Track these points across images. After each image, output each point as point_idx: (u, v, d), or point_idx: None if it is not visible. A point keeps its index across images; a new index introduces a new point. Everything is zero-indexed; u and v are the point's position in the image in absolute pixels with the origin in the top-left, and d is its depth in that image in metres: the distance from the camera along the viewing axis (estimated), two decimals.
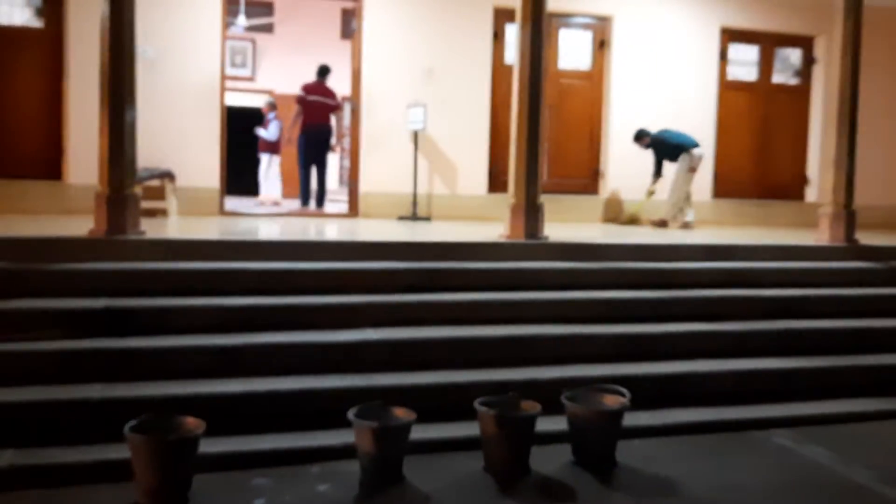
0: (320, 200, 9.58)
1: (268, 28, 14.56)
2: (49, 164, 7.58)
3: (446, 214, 8.52)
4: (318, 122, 9.51)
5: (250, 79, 14.65)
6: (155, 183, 7.50)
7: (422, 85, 8.48)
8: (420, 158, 8.42)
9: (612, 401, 3.76)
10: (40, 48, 7.56)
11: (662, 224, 8.37)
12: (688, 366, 4.74)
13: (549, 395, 3.87)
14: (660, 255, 5.92)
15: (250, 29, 14.12)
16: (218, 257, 5.02)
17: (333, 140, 9.84)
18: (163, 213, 7.47)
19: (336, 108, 9.67)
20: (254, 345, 4.28)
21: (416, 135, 8.32)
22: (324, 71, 9.62)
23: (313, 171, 9.70)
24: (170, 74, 7.77)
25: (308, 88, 9.46)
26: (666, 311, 5.26)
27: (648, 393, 4.35)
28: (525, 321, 4.95)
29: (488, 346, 4.63)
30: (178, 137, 7.77)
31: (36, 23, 7.63)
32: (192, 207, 7.75)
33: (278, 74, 14.34)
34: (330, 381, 4.12)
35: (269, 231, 6.54)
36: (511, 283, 5.30)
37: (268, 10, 14.51)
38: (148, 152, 7.49)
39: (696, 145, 8.46)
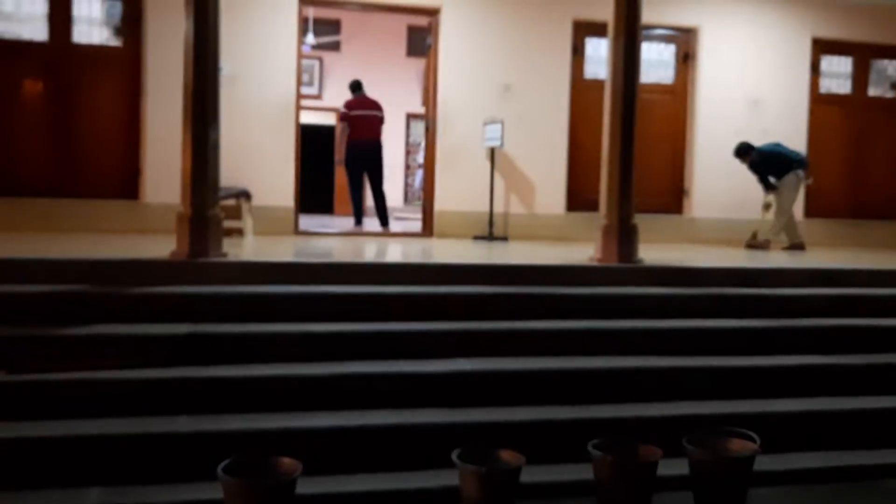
0: (384, 219, 9.13)
1: (334, 46, 14.56)
2: (126, 183, 7.56)
3: (523, 234, 8.24)
4: (367, 136, 9.04)
5: (317, 97, 14.65)
6: (231, 202, 7.41)
7: (498, 101, 8.25)
8: (496, 176, 8.17)
9: (737, 445, 3.41)
10: (119, 67, 7.56)
11: (763, 245, 7.90)
12: (807, 404, 4.33)
13: (661, 435, 3.55)
14: (764, 280, 5.52)
15: (317, 47, 14.12)
16: (300, 280, 4.82)
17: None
18: (238, 232, 7.37)
19: (383, 120, 9.24)
20: (341, 375, 4.04)
21: (492, 152, 8.08)
22: (357, 86, 9.32)
23: (367, 189, 9.41)
24: (246, 93, 7.70)
25: (351, 104, 9.13)
26: (775, 341, 4.87)
27: (768, 434, 3.97)
28: (625, 352, 4.61)
29: (588, 379, 4.31)
30: (254, 156, 7.68)
31: (115, 42, 7.65)
32: (267, 227, 7.63)
33: (345, 92, 14.32)
34: (424, 416, 3.86)
35: (347, 253, 6.35)
36: (607, 310, 4.97)
37: (335, 27, 14.52)
38: (224, 171, 7.41)
39: (806, 161, 7.97)
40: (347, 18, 14.42)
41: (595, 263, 5.48)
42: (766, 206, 8.10)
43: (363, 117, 9.06)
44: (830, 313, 5.24)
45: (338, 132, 9.26)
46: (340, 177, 13.73)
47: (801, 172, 7.86)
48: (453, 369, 4.20)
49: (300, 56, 7.94)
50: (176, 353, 4.09)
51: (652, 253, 6.06)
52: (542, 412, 3.98)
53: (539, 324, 4.72)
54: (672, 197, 8.83)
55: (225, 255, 5.00)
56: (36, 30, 7.41)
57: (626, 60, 5.54)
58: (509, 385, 4.20)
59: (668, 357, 4.58)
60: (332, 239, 7.80)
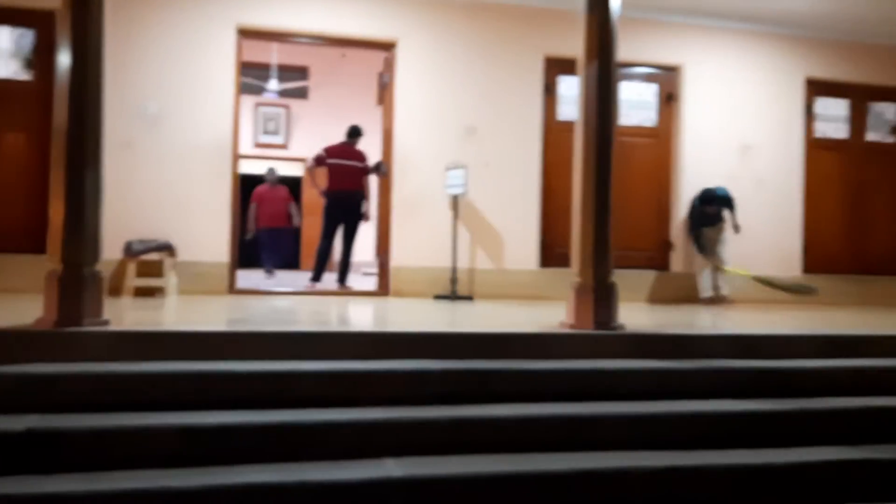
0: (342, 276, 8.24)
1: (302, 93, 13.82)
2: (33, 236, 6.59)
3: (491, 293, 7.30)
4: (344, 187, 8.24)
5: (283, 146, 13.85)
6: (153, 257, 6.45)
7: (463, 144, 7.40)
8: (460, 228, 7.27)
9: None
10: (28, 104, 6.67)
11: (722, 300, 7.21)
12: None
13: None
14: (770, 350, 4.59)
15: (284, 94, 13.38)
16: (191, 355, 3.84)
17: (366, 207, 8.51)
18: (161, 291, 6.39)
19: (365, 171, 8.43)
20: (224, 489, 3.04)
21: (455, 200, 7.19)
22: (353, 132, 8.50)
23: (337, 243, 8.49)
24: (175, 135, 6.81)
25: (330, 150, 8.30)
26: (791, 430, 3.91)
27: None
28: (603, 446, 3.64)
29: (558, 487, 3.32)
30: (183, 206, 6.75)
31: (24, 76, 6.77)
32: (197, 285, 6.67)
33: (313, 142, 13.52)
34: None
35: (272, 316, 5.37)
36: (580, 390, 4.01)
37: (302, 74, 13.79)
38: (146, 222, 6.49)
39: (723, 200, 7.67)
40: (315, 65, 13.73)
41: (566, 330, 4.53)
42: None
43: (340, 166, 8.24)
44: (853, 391, 4.30)
45: (307, 177, 8.21)
46: (311, 229, 12.87)
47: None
48: (379, 476, 3.20)
49: (239, 97, 7.08)
50: (9, 457, 3.08)
51: (634, 316, 5.13)
52: None
53: (494, 410, 3.74)
54: (656, 251, 7.94)
55: (105, 322, 4.02)
56: None
57: (601, 93, 4.68)
58: (451, 497, 3.21)
59: (657, 453, 3.61)
60: (270, 299, 6.82)
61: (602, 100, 4.68)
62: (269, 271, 10.66)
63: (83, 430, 3.22)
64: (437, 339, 4.23)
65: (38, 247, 6.56)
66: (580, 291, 4.60)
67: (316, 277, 8.10)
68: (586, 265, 4.61)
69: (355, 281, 9.12)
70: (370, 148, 10.49)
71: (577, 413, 3.80)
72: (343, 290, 7.92)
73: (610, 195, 4.64)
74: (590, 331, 4.50)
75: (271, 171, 11.12)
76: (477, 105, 7.46)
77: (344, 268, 8.27)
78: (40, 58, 6.68)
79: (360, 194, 8.35)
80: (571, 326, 4.59)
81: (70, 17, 4.01)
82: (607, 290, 4.59)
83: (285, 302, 6.56)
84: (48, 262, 4.10)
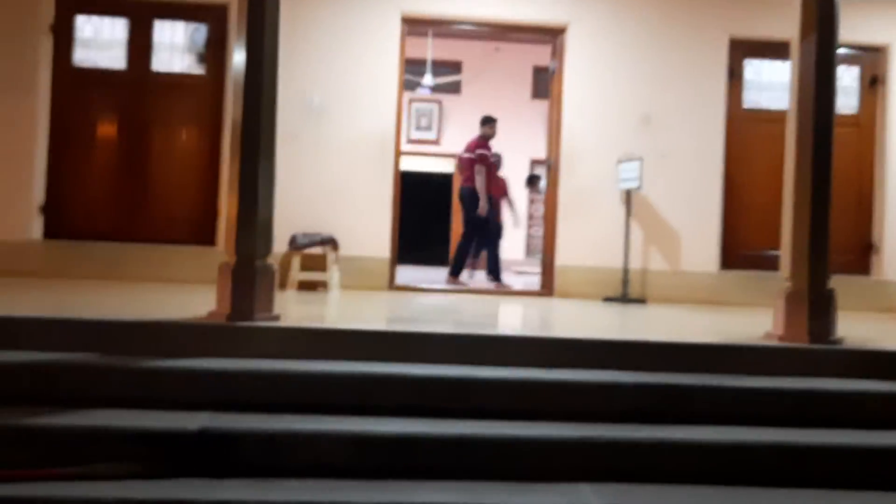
0: (494, 274, 7.90)
1: (454, 88, 13.62)
2: (204, 227, 6.67)
3: (665, 296, 6.72)
4: (462, 182, 8.08)
5: (435, 142, 13.72)
6: (316, 251, 6.37)
7: (636, 135, 6.86)
8: (633, 225, 6.74)
9: None
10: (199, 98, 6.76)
11: None
12: None
13: None
14: None
15: (437, 90, 13.22)
16: (363, 355, 3.59)
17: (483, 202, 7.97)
18: (323, 286, 6.29)
19: (472, 161, 7.90)
20: None
21: (628, 195, 6.67)
22: (481, 121, 8.17)
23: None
24: (338, 129, 6.70)
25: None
26: None
27: None
28: (833, 483, 3.07)
29: None
30: (345, 201, 6.63)
31: (198, 69, 6.87)
32: (358, 280, 6.53)
33: (464, 137, 13.31)
34: None
35: (437, 316, 5.09)
36: (797, 413, 3.45)
37: (455, 69, 13.60)
38: (309, 215, 6.42)
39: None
40: (469, 59, 13.51)
41: (775, 343, 3.94)
42: None
43: (459, 159, 8.07)
44: None
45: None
46: (459, 227, 12.68)
47: None
48: None
49: (401, 92, 6.88)
50: (182, 458, 2.94)
51: (844, 329, 4.43)
52: None
53: (699, 433, 3.25)
54: (856, 254, 7.06)
55: (275, 317, 3.86)
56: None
57: (819, 76, 4.06)
58: None
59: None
60: (431, 296, 6.57)
61: (820, 83, 4.06)
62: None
63: (255, 434, 3.02)
64: (626, 348, 3.78)
65: (207, 238, 6.67)
66: (792, 299, 4.00)
67: (452, 272, 7.78)
68: (800, 269, 4.01)
69: (511, 279, 8.80)
70: (531, 142, 10.13)
71: (798, 442, 3.24)
72: (501, 288, 7.58)
73: (830, 191, 4.02)
74: (804, 344, 3.90)
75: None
76: (652, 92, 6.90)
77: (492, 265, 7.92)
78: (212, 52, 6.77)
79: (467, 189, 7.96)
80: (780, 339, 4.00)
81: (246, 13, 3.90)
82: (825, 299, 3.97)
83: (448, 300, 6.29)
84: (222, 255, 4.00)
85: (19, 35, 6.49)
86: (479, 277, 8.73)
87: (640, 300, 6.53)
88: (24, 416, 3.00)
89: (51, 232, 6.58)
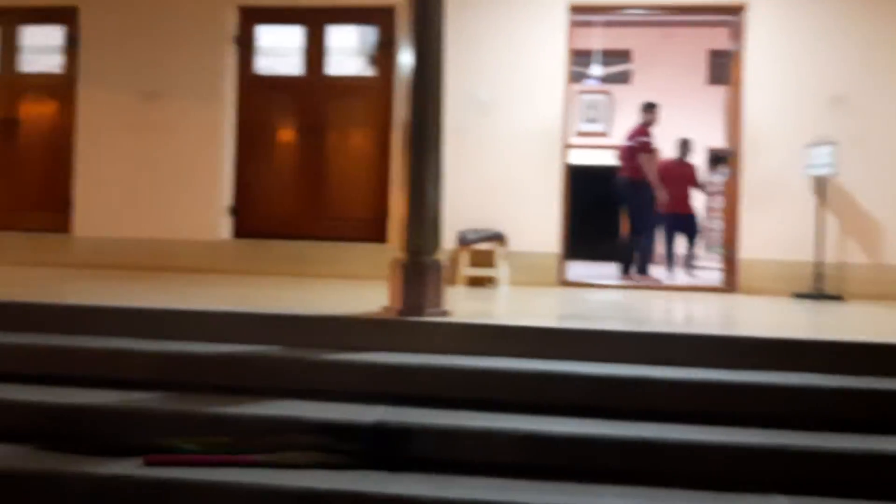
0: (640, 267, 7.47)
1: (623, 78, 13.20)
2: (375, 225, 6.85)
3: (865, 292, 6.10)
4: (620, 172, 7.74)
5: (604, 134, 13.36)
6: (483, 247, 6.34)
7: (828, 118, 6.27)
8: (826, 215, 6.17)
9: None
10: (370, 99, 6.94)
11: None
12: None
13: None
14: None
15: (605, 80, 12.87)
16: (533, 352, 3.50)
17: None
18: (491, 281, 6.26)
19: (631, 149, 7.52)
20: None
21: (820, 183, 6.12)
22: (643, 108, 7.79)
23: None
24: (503, 124, 6.63)
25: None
26: None
27: None
28: None
29: None
30: (512, 195, 6.55)
31: (368, 71, 7.05)
32: (525, 276, 6.43)
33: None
34: None
35: (611, 312, 4.89)
36: None
37: (624, 58, 13.17)
38: (476, 211, 6.40)
39: None
40: (637, 47, 13.06)
41: None
42: None
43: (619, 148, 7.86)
44: None
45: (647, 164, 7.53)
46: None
47: None
48: None
49: (569, 84, 6.70)
50: (358, 450, 2.97)
51: None
52: None
53: None
54: None
55: (445, 312, 3.84)
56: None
57: None
58: None
59: None
60: (603, 292, 6.36)
61: None
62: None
63: (429, 429, 3.02)
64: (823, 349, 3.43)
65: (379, 236, 6.82)
66: None
67: (639, 269, 7.45)
68: None
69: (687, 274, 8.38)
70: (708, 131, 9.61)
71: None
72: (647, 282, 7.19)
73: None
74: None
75: (684, 142, 9.37)
76: (846, 69, 6.28)
77: (640, 258, 7.49)
78: (382, 54, 6.92)
79: (625, 179, 7.57)
80: None
81: (412, 14, 3.92)
82: None
83: (621, 296, 6.06)
84: (393, 251, 4.05)
85: (208, 48, 6.94)
86: (659, 273, 8.33)
87: (836, 297, 5.97)
88: (214, 404, 3.16)
89: (238, 232, 7.00)
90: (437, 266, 3.89)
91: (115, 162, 7.00)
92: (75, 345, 3.53)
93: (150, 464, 2.82)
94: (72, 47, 7.16)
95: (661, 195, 7.41)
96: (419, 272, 3.83)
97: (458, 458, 2.98)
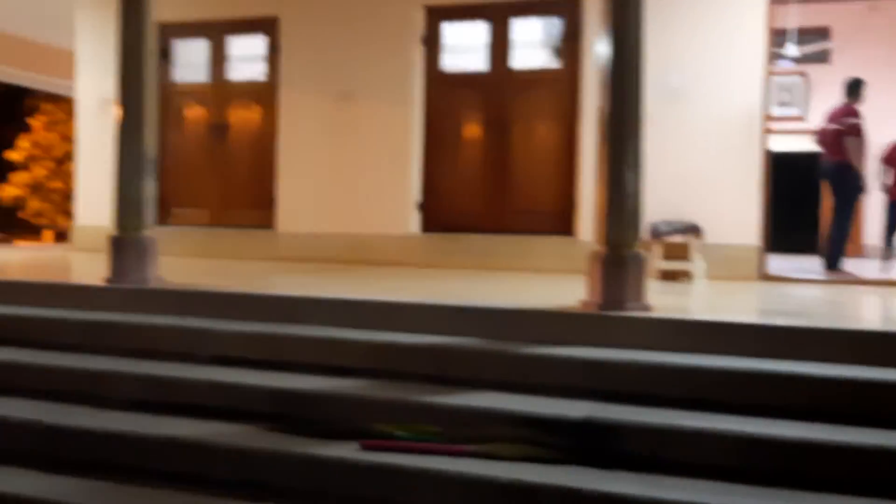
0: (831, 260, 6.93)
1: (822, 58, 12.26)
2: (562, 218, 6.79)
3: None
4: (824, 156, 7.18)
5: (799, 118, 12.48)
6: (678, 239, 6.12)
7: None
8: None
9: None
10: (555, 91, 6.87)
11: None
12: None
13: None
14: None
15: (801, 61, 12.01)
16: (750, 350, 3.31)
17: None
18: (685, 275, 6.02)
19: (838, 133, 6.90)
20: None
21: None
22: (848, 87, 7.13)
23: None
24: (697, 110, 6.36)
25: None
26: None
27: None
28: None
29: None
30: (706, 185, 6.27)
31: (554, 64, 7.00)
32: (722, 269, 6.14)
33: None
34: None
35: (823, 309, 4.55)
36: None
37: (822, 35, 12.22)
38: (667, 202, 6.18)
39: None
40: (837, 23, 12.08)
41: None
42: None
43: (822, 132, 7.28)
44: None
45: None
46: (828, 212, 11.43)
47: None
48: None
49: (767, 60, 6.30)
50: (566, 445, 2.95)
51: None
52: None
53: None
54: None
55: (647, 307, 3.73)
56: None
57: None
58: None
59: None
60: (809, 287, 5.93)
61: None
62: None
63: (639, 427, 2.93)
64: None
65: (565, 228, 6.77)
66: None
67: (829, 263, 6.89)
68: None
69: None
70: None
71: None
72: (839, 276, 6.58)
73: None
74: None
75: None
76: None
77: (831, 249, 6.94)
78: (567, 45, 6.84)
79: (832, 163, 6.97)
80: None
81: (611, 2, 3.82)
82: None
83: (831, 292, 5.62)
84: (580, 245, 3.99)
85: (397, 48, 7.18)
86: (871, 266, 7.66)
87: None
88: (423, 393, 3.25)
89: (426, 226, 7.19)
90: (637, 259, 3.78)
91: (313, 161, 7.42)
92: (293, 333, 3.77)
93: (366, 448, 2.94)
94: (273, 55, 7.65)
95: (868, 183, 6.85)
96: (619, 265, 3.74)
97: (668, 457, 2.88)
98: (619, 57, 3.82)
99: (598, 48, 3.94)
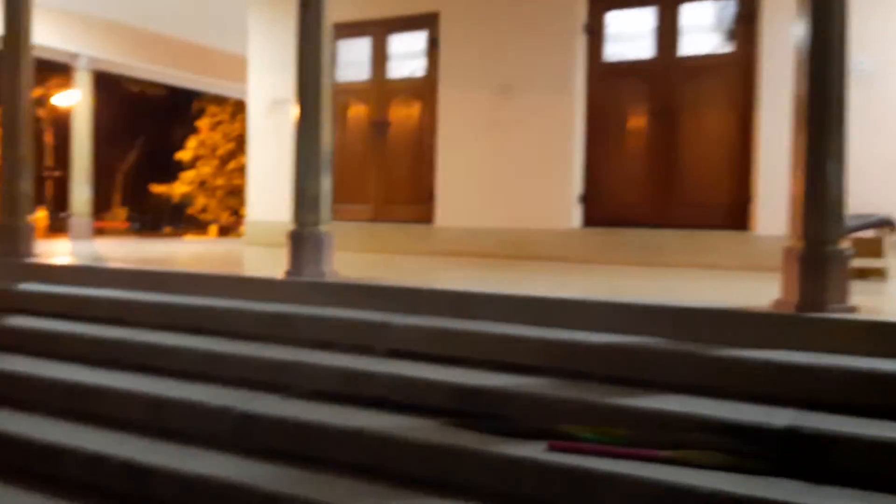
0: None
1: None
2: (735, 211, 6.42)
3: None
4: None
5: None
6: (868, 234, 5.62)
7: None
8: None
9: None
10: (727, 78, 6.50)
11: None
12: None
13: None
14: None
15: None
16: None
17: None
18: (878, 273, 5.53)
19: None
20: None
21: None
22: None
23: None
24: (889, 92, 5.82)
25: None
26: None
27: None
28: None
29: None
30: None
31: (726, 48, 6.62)
32: None
33: None
34: None
35: None
36: None
37: None
38: (857, 193, 5.66)
39: None
40: None
41: None
42: None
43: None
44: None
45: None
46: None
47: None
48: None
49: None
50: (767, 455, 2.75)
51: None
52: None
53: None
54: None
55: (852, 308, 3.42)
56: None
57: None
58: None
59: None
60: None
61: None
62: None
63: (850, 439, 2.69)
64: None
65: (739, 223, 6.41)
66: None
67: None
68: None
69: None
70: None
71: None
72: None
73: None
74: None
75: None
76: None
77: None
78: (741, 27, 6.45)
79: None
80: None
81: None
82: None
83: None
84: (756, 240, 3.71)
85: (558, 39, 7.04)
86: None
87: None
88: (607, 394, 3.13)
89: (588, 220, 7.02)
90: (840, 256, 3.47)
91: (471, 155, 7.42)
92: (468, 328, 3.75)
93: (553, 449, 2.86)
94: (433, 50, 7.72)
95: None
96: (819, 262, 3.45)
97: (883, 474, 2.62)
98: (818, 37, 3.52)
99: (794, 29, 3.64)
